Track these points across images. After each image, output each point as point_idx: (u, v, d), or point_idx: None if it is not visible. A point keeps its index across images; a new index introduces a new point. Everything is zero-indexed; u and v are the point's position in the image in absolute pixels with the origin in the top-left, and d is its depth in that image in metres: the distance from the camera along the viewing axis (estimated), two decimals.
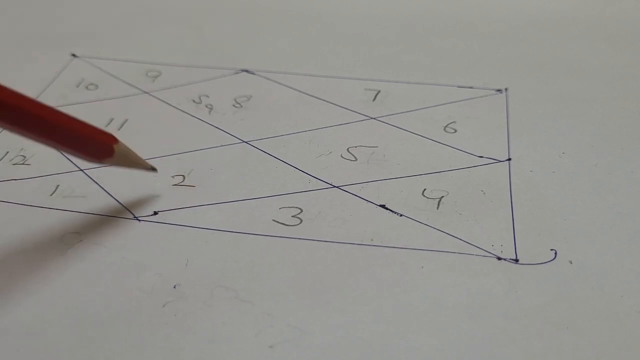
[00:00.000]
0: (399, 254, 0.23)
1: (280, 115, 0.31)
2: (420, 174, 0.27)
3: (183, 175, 0.27)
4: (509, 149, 0.28)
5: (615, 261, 0.23)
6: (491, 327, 0.21)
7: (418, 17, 0.41)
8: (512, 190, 0.26)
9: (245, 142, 0.30)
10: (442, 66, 0.35)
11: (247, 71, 0.35)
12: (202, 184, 0.27)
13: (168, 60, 0.37)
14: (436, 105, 0.32)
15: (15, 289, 0.22)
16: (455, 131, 0.30)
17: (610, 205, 0.25)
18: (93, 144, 0.23)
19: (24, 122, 0.21)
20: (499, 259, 0.23)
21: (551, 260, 0.23)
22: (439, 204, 0.26)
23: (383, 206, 0.26)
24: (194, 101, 0.33)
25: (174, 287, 0.22)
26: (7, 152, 0.29)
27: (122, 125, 0.31)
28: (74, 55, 0.37)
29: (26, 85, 0.34)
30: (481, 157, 0.28)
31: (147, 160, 0.26)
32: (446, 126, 0.30)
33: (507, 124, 0.30)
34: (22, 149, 0.29)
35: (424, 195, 0.26)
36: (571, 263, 0.23)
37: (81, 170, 0.28)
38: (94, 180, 0.27)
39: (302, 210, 0.25)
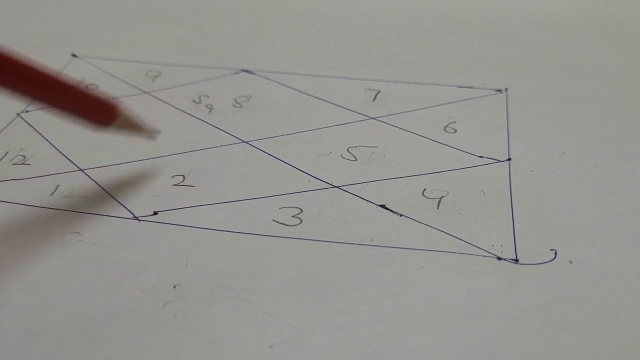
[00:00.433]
0: (399, 254, 0.23)
1: (280, 115, 0.31)
2: (420, 174, 0.27)
3: (183, 175, 0.27)
4: (509, 149, 0.28)
5: (615, 261, 0.23)
6: (491, 327, 0.21)
7: (418, 17, 0.41)
8: (512, 190, 0.26)
9: (245, 142, 0.30)
10: (442, 66, 0.35)
11: (247, 71, 0.35)
12: (202, 184, 0.27)
13: (168, 60, 0.37)
14: (436, 105, 0.32)
15: (16, 289, 0.22)
16: (455, 131, 0.30)
17: (610, 205, 0.25)
18: (97, 107, 0.24)
19: (31, 84, 0.22)
20: (499, 259, 0.23)
21: (551, 260, 0.23)
22: (439, 204, 0.26)
23: (383, 206, 0.26)
24: (194, 101, 0.33)
25: (174, 287, 0.22)
26: (7, 152, 0.29)
27: None
28: (74, 55, 0.37)
29: None
30: (481, 157, 0.28)
31: (147, 160, 0.26)
32: (446, 126, 0.30)
33: (507, 124, 0.30)
34: (22, 149, 0.29)
35: (424, 195, 0.26)
36: (571, 263, 0.23)
37: (81, 170, 0.28)
38: (94, 180, 0.27)
39: (302, 210, 0.25)
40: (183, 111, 0.32)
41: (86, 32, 0.40)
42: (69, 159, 0.28)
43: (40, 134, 0.30)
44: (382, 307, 0.21)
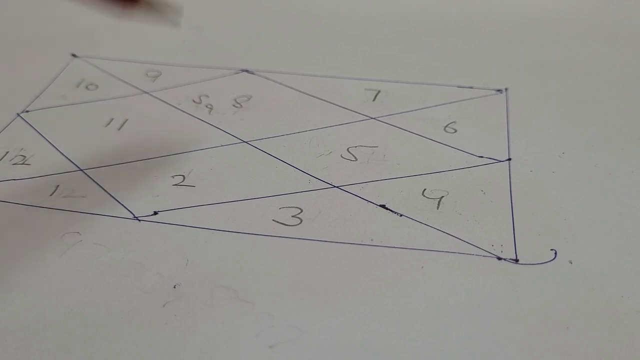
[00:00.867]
0: (399, 254, 0.23)
1: (280, 115, 0.31)
2: (420, 174, 0.27)
3: (183, 175, 0.27)
4: (509, 149, 0.28)
5: (615, 261, 0.23)
6: (491, 327, 0.21)
7: (418, 17, 0.41)
8: (512, 190, 0.26)
9: (245, 142, 0.30)
10: (442, 66, 0.35)
11: (247, 71, 0.35)
12: (202, 184, 0.27)
13: (168, 60, 0.37)
14: (436, 105, 0.32)
15: (16, 289, 0.22)
16: (455, 131, 0.30)
17: (610, 205, 0.25)
18: None
19: None
20: (499, 259, 0.23)
21: (551, 260, 0.23)
22: (439, 204, 0.26)
23: (383, 206, 0.26)
24: (194, 101, 0.33)
25: (174, 287, 0.22)
26: (7, 152, 0.29)
27: (122, 125, 0.31)
28: (74, 55, 0.37)
29: (26, 85, 0.34)
30: (481, 157, 0.28)
31: (147, 160, 0.26)
32: (446, 126, 0.30)
33: (507, 124, 0.30)
34: (22, 149, 0.29)
35: (424, 195, 0.26)
36: (571, 263, 0.23)
37: (81, 170, 0.28)
38: (94, 180, 0.27)
39: (302, 210, 0.25)
40: (183, 111, 0.32)
41: (86, 32, 0.40)
42: (69, 159, 0.28)
43: (40, 134, 0.30)
44: (382, 307, 0.21)
